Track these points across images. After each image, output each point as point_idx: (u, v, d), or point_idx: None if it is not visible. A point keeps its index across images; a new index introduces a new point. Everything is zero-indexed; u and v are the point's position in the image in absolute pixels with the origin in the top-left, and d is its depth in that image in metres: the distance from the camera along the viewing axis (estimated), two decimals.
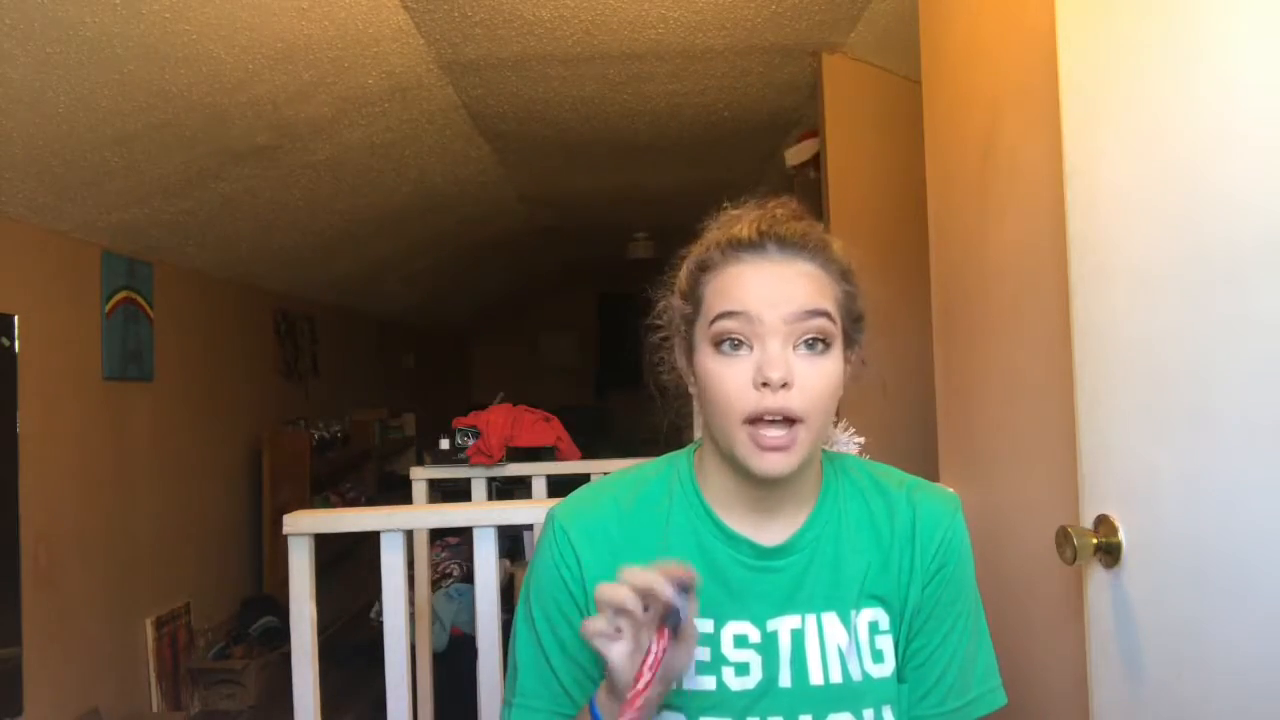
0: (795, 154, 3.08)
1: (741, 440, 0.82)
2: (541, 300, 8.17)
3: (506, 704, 0.92)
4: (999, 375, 1.57)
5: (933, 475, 1.85)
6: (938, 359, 1.83)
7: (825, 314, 0.82)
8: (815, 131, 2.90)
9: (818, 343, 0.82)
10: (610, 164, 4.00)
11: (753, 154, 3.78)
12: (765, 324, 0.81)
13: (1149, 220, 1.03)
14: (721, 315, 0.82)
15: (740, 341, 0.82)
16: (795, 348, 0.81)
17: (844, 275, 0.86)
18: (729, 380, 0.81)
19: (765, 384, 0.79)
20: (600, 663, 0.82)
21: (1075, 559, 1.11)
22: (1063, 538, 1.12)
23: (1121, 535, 1.08)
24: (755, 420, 0.81)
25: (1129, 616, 1.08)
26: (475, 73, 2.78)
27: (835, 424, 1.75)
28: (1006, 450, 1.55)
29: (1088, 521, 1.14)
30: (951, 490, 0.97)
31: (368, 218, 3.92)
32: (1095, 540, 1.11)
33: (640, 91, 3.04)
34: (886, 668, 0.89)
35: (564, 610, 0.89)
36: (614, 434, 6.95)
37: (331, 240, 4.05)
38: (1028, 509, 1.45)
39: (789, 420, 0.80)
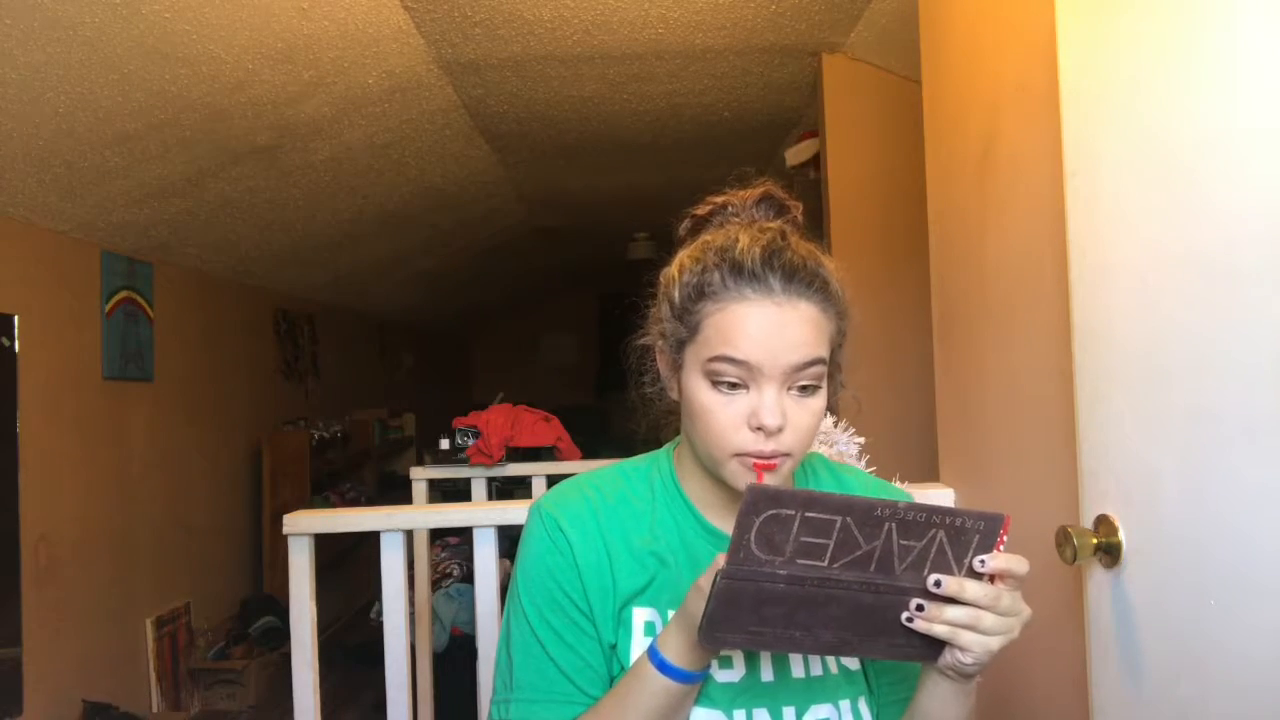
0: (795, 154, 3.08)
1: (730, 467, 0.84)
2: (542, 300, 8.17)
3: (500, 701, 0.91)
4: (999, 375, 1.56)
5: (933, 475, 1.85)
6: (938, 359, 1.83)
7: (821, 360, 0.84)
8: (815, 131, 2.90)
9: (810, 386, 0.84)
10: (610, 164, 4.00)
11: (753, 154, 3.78)
12: (765, 372, 0.82)
13: (1148, 220, 1.02)
14: (721, 358, 0.83)
15: (736, 384, 0.83)
16: (789, 389, 0.83)
17: (840, 313, 0.87)
18: (722, 418, 0.83)
19: (760, 428, 0.82)
20: (600, 652, 0.88)
21: (1075, 559, 1.11)
22: (1063, 538, 1.12)
23: (1121, 535, 1.08)
24: (744, 454, 0.83)
25: (1129, 616, 1.08)
26: (475, 73, 2.79)
27: (835, 424, 1.75)
28: (1006, 450, 1.55)
29: (1088, 521, 1.14)
30: (907, 492, 1.02)
31: (368, 218, 3.92)
32: (1095, 540, 1.11)
33: (640, 91, 3.04)
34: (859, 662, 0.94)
35: (556, 599, 0.90)
36: (614, 434, 6.95)
37: (331, 240, 4.05)
38: (1028, 509, 1.45)
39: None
